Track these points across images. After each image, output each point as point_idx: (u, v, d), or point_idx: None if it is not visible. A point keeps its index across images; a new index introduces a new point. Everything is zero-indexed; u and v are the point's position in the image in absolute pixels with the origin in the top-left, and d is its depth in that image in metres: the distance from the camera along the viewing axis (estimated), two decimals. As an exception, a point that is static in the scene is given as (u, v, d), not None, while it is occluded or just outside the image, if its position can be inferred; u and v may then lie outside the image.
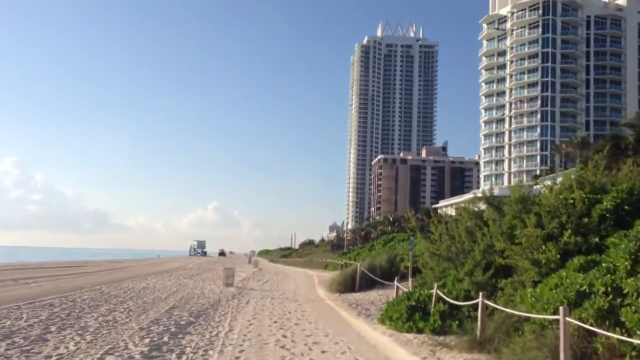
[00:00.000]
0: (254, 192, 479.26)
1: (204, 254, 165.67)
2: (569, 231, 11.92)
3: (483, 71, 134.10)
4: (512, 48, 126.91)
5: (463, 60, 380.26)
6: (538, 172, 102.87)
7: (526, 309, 10.21)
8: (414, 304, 13.59)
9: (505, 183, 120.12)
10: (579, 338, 8.29)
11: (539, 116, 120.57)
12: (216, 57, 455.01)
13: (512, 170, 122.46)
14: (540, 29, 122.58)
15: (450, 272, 14.39)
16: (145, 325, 13.59)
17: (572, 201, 12.40)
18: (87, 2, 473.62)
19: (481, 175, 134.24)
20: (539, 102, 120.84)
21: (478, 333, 10.45)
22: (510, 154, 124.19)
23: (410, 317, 13.13)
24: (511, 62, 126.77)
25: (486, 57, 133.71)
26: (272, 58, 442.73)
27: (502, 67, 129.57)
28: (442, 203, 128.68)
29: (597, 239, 11.67)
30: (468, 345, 10.44)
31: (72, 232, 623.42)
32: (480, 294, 10.65)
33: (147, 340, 11.36)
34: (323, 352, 10.96)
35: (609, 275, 8.62)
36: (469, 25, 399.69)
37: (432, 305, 13.17)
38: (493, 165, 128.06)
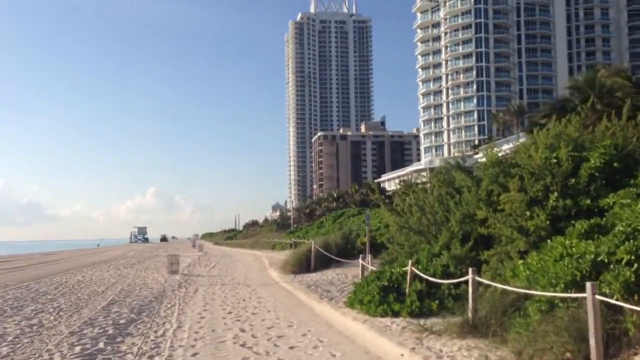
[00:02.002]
0: (193, 175, 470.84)
1: (146, 240, 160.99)
2: (555, 194, 10.70)
3: (419, 44, 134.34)
4: (445, 19, 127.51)
5: (398, 33, 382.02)
6: (477, 142, 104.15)
7: (523, 284, 8.92)
8: (385, 284, 12.15)
9: (446, 154, 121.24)
10: (602, 317, 7.02)
11: (474, 86, 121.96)
12: (152, 33, 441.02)
13: (452, 141, 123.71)
14: (472, 0, 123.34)
15: (423, 246, 13.02)
16: (77, 328, 11.59)
17: (555, 160, 11.20)
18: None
19: (421, 148, 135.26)
20: (474, 72, 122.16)
21: (470, 315, 9.09)
22: (449, 125, 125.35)
23: (384, 299, 11.68)
24: (445, 33, 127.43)
25: (421, 29, 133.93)
26: (208, 36, 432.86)
27: (437, 39, 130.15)
28: (384, 177, 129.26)
29: (588, 201, 10.53)
30: (459, 329, 9.07)
31: (2, 225, 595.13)
32: (470, 269, 9.28)
33: (77, 349, 9.43)
34: (291, 347, 9.38)
35: (630, 241, 7.35)
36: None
37: (407, 284, 11.77)
38: (433, 137, 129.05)
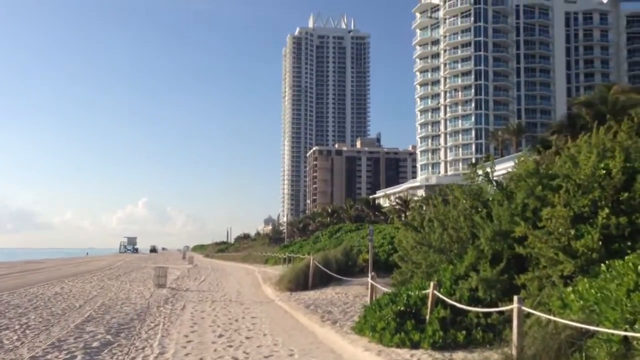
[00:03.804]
0: (186, 187, 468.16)
1: (135, 250, 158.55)
2: (606, 210, 9.17)
3: (417, 60, 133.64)
4: (445, 37, 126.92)
5: (396, 49, 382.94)
6: (474, 160, 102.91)
7: (578, 318, 7.35)
8: (402, 308, 10.50)
9: (442, 172, 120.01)
10: None
11: (473, 104, 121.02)
12: (146, 47, 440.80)
13: (449, 158, 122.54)
14: (472, 18, 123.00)
15: (444, 266, 11.41)
16: (41, 351, 9.87)
17: (604, 171, 9.67)
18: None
19: (418, 165, 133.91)
20: (473, 90, 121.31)
21: (514, 352, 7.49)
22: (446, 142, 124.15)
23: (401, 326, 10.05)
24: (445, 50, 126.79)
25: (420, 46, 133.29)
26: (205, 48, 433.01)
27: (436, 56, 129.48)
28: (379, 193, 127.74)
29: (646, 219, 9.01)
30: (500, 369, 7.47)
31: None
32: (515, 297, 7.67)
33: (35, 382, 7.76)
34: (295, 386, 7.73)
35: None
36: (402, 14, 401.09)
37: (428, 310, 10.15)
38: (429, 154, 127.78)
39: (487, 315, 9.48)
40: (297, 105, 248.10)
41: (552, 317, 7.39)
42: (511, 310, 7.78)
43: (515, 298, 7.62)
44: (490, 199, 11.33)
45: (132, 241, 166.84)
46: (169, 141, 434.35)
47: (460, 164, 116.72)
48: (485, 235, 10.50)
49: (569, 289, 8.28)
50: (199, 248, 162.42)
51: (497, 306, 9.43)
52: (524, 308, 7.66)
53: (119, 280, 30.36)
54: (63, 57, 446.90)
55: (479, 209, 11.57)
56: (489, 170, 11.67)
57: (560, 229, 9.38)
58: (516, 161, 11.32)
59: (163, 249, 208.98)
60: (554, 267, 9.22)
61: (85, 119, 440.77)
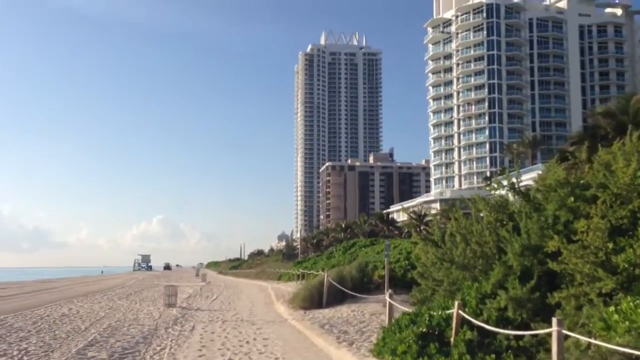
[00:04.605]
0: (200, 204, 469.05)
1: (149, 268, 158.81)
2: (647, 221, 8.38)
3: (430, 75, 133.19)
4: (458, 51, 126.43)
5: (408, 64, 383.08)
6: (488, 174, 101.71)
7: (627, 341, 6.57)
8: (424, 330, 9.73)
9: (456, 185, 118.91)
10: None
11: (486, 118, 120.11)
12: (162, 63, 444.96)
13: (463, 172, 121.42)
14: (485, 32, 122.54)
15: (468, 284, 10.61)
16: (36, 381, 9.22)
17: (643, 180, 8.90)
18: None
19: (431, 179, 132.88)
20: (487, 103, 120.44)
21: (554, 381, 6.70)
22: (460, 156, 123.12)
23: (423, 349, 9.25)
24: (457, 65, 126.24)
25: (432, 60, 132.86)
26: (219, 65, 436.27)
27: (449, 70, 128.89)
28: (393, 208, 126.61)
29: (690, 231, 8.21)
30: (538, 400, 6.67)
31: (8, 252, 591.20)
32: (555, 319, 6.87)
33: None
34: (309, 420, 6.96)
35: None
36: (414, 30, 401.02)
37: (453, 332, 9.36)
38: (443, 169, 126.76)
39: (518, 337, 8.68)
40: (309, 122, 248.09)
41: (595, 341, 6.60)
42: (547, 333, 6.99)
43: (555, 320, 6.82)
44: (517, 211, 10.52)
45: (146, 259, 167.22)
46: (182, 159, 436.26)
47: (475, 177, 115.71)
48: (513, 250, 9.71)
49: (611, 308, 7.49)
50: (213, 265, 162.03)
51: (528, 327, 8.67)
52: (565, 331, 6.86)
53: (129, 300, 29.72)
54: (74, 71, 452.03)
55: (505, 222, 10.79)
56: (514, 180, 10.88)
57: (597, 243, 8.59)
58: (543, 170, 10.55)
59: (177, 265, 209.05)
60: (592, 284, 8.41)
61: (100, 136, 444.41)
